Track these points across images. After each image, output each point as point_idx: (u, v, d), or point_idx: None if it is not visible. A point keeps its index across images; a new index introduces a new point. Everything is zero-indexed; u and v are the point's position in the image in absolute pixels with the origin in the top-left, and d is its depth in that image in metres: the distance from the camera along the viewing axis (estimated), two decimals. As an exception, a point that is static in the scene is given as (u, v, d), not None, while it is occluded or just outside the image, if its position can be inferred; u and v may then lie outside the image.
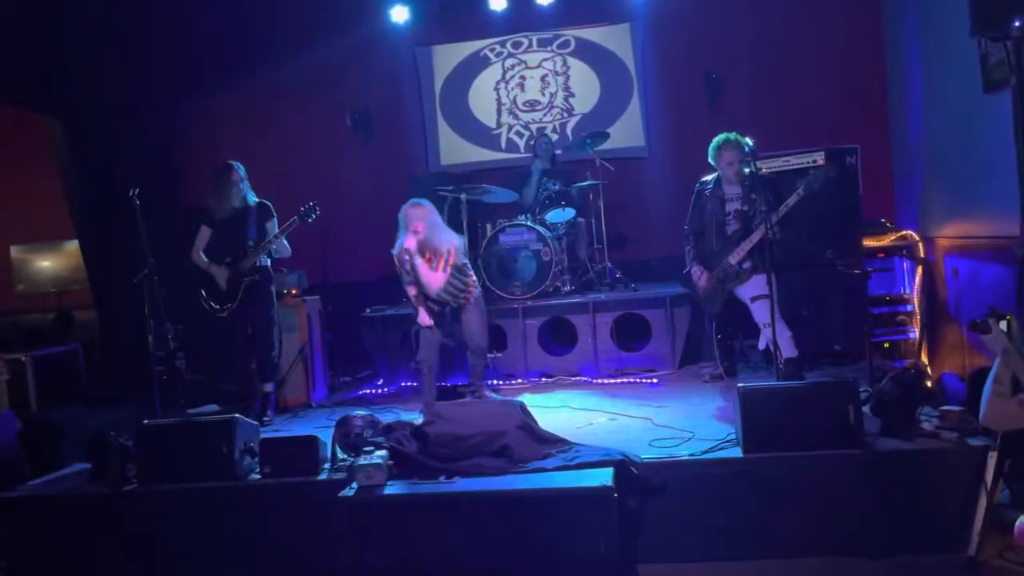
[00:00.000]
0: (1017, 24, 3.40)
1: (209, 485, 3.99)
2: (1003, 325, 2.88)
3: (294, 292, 6.09)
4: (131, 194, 4.87)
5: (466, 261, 5.24)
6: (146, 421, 4.27)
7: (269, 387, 5.47)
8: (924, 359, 5.67)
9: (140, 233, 4.93)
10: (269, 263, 5.39)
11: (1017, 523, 2.74)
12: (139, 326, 5.08)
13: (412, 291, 5.11)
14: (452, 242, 5.09)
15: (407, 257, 4.98)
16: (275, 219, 5.34)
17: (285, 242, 5.33)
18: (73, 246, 7.48)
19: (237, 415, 4.13)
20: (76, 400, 6.39)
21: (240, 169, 5.30)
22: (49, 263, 7.70)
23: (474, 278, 5.24)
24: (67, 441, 5.05)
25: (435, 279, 4.99)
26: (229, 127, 7.83)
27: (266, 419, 5.28)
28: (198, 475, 4.01)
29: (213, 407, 5.65)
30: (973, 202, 5.26)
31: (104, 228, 6.75)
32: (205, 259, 5.29)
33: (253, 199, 5.35)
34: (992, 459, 3.37)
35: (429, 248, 5.01)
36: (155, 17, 6.70)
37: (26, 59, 6.16)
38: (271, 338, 5.40)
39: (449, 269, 5.02)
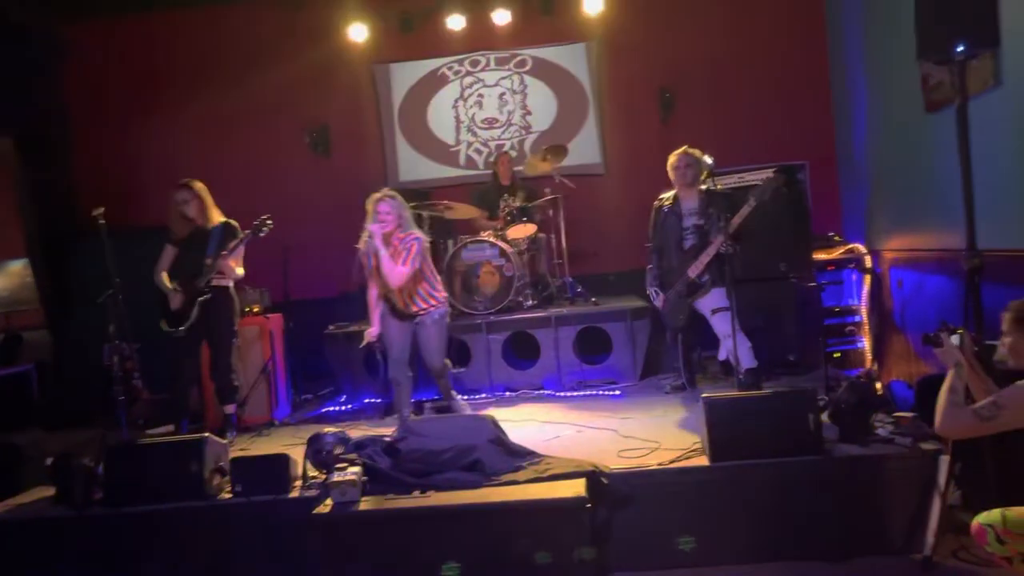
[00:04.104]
0: (960, 48, 3.58)
1: (179, 505, 3.95)
2: (955, 339, 3.02)
3: (256, 309, 6.06)
4: (94, 214, 4.81)
5: (436, 275, 5.11)
6: (113, 442, 4.21)
7: (230, 408, 5.41)
8: (874, 367, 5.89)
9: (102, 253, 4.87)
10: (232, 284, 5.32)
11: (974, 524, 2.89)
12: (95, 346, 5.01)
13: (374, 292, 4.97)
14: (419, 237, 4.89)
15: (371, 241, 4.79)
16: (236, 238, 5.25)
17: (239, 260, 5.25)
18: (17, 266, 7.31)
19: (207, 434, 4.10)
20: (32, 422, 6.24)
21: (197, 188, 5.24)
22: (-2, 283, 7.52)
23: (444, 294, 5.11)
24: (27, 464, 4.94)
25: (397, 273, 4.77)
26: (188, 145, 7.74)
27: (227, 440, 5.22)
28: (168, 495, 3.97)
29: (170, 427, 5.55)
30: (917, 216, 5.51)
31: (59, 248, 6.63)
32: (166, 278, 5.22)
33: (218, 219, 5.29)
34: (944, 463, 3.53)
35: (395, 240, 4.84)
36: (114, 35, 6.64)
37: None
38: (228, 360, 5.31)
39: (413, 263, 4.80)
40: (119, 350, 5.05)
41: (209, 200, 5.30)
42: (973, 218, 3.71)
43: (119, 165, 7.67)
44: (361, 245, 4.93)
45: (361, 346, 5.16)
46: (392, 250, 4.82)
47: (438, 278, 5.12)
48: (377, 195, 4.91)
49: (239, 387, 5.51)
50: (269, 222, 5.16)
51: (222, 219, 5.31)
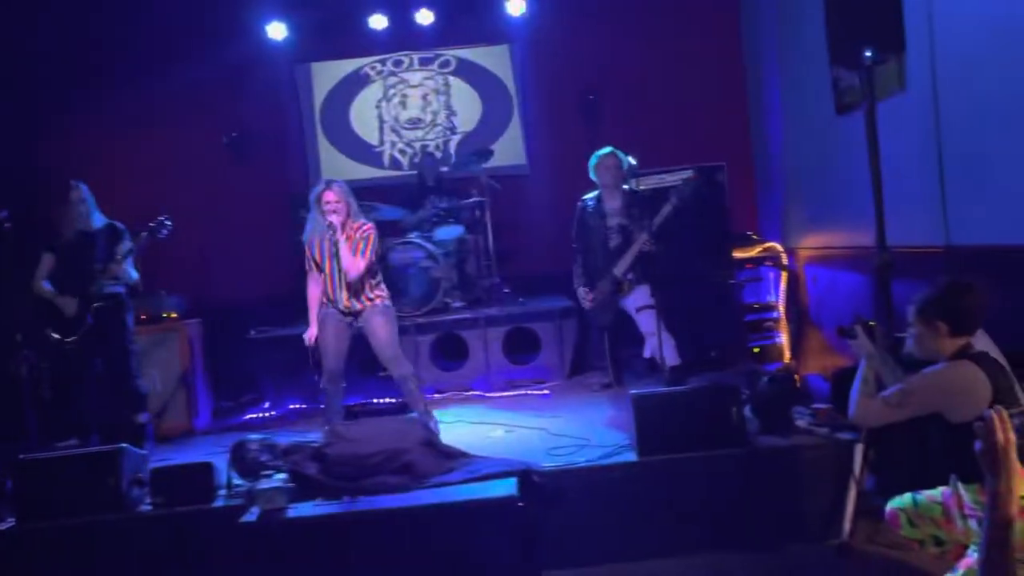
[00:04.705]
0: (868, 54, 3.75)
1: (96, 519, 3.79)
2: (865, 331, 3.15)
3: (174, 316, 5.87)
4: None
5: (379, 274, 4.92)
6: (22, 456, 4.02)
7: (142, 417, 5.13)
8: (792, 362, 6.09)
9: (3, 259, 4.62)
10: (124, 289, 5.05)
11: (887, 508, 3.02)
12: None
13: (314, 290, 4.77)
14: (371, 225, 4.75)
15: (330, 234, 4.58)
16: (126, 242, 5.00)
17: (129, 267, 4.99)
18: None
19: (124, 445, 3.95)
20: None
21: (83, 189, 4.99)
22: None
23: (384, 288, 4.88)
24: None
25: (357, 265, 4.58)
26: (96, 146, 7.41)
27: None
28: (83, 509, 3.81)
29: (74, 440, 5.31)
30: (830, 215, 5.72)
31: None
32: (49, 288, 4.91)
33: (100, 221, 5.04)
34: (859, 451, 3.68)
35: (348, 230, 4.65)
36: (13, 26, 6.32)
37: None
38: (130, 367, 5.07)
39: (370, 255, 4.65)
40: (27, 359, 4.80)
41: (93, 202, 5.06)
42: (883, 217, 3.88)
43: (24, 166, 7.30)
44: (308, 237, 4.73)
45: (309, 347, 4.82)
46: (347, 240, 4.61)
47: (378, 272, 4.93)
48: (320, 186, 4.70)
49: (147, 394, 5.25)
50: (168, 223, 4.91)
51: (104, 221, 5.06)
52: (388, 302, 4.85)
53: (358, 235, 4.66)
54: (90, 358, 5.00)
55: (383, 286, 4.88)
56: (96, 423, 5.04)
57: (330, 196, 4.61)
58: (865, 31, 3.74)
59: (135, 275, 5.05)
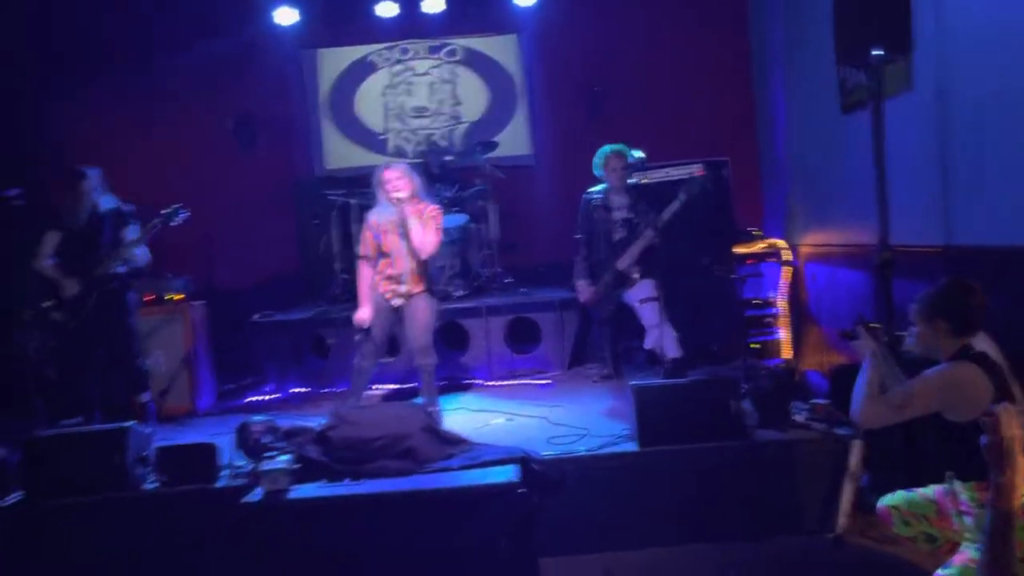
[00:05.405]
0: (875, 53, 3.77)
1: (101, 497, 3.84)
2: (868, 332, 3.17)
3: (179, 297, 5.90)
4: (11, 196, 4.58)
5: None
6: (33, 432, 4.06)
7: (145, 397, 5.20)
8: (792, 357, 6.13)
9: (14, 238, 4.66)
10: (125, 270, 5.08)
11: (879, 506, 3.06)
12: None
13: (367, 274, 4.74)
14: (438, 206, 4.77)
15: (389, 216, 4.56)
16: (133, 225, 5.05)
17: (145, 249, 5.04)
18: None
19: (130, 423, 4.00)
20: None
21: (92, 177, 5.01)
22: None
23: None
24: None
25: (427, 242, 4.58)
26: (105, 128, 7.43)
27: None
28: (89, 487, 3.85)
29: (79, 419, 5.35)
30: (832, 213, 5.75)
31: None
32: (51, 266, 4.94)
33: (108, 204, 5.07)
34: (856, 447, 3.73)
35: (414, 209, 4.62)
36: (26, 9, 6.33)
37: None
38: (132, 347, 5.12)
39: (440, 232, 4.68)
40: (33, 337, 4.84)
41: (102, 185, 5.09)
42: (886, 215, 3.91)
43: (33, 148, 7.32)
44: (372, 220, 4.72)
45: (357, 330, 4.79)
46: (417, 219, 4.60)
47: None
48: (380, 168, 4.72)
49: (149, 372, 5.31)
50: (183, 212, 4.97)
51: (113, 203, 5.10)
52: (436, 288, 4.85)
53: (426, 215, 4.65)
54: (93, 338, 5.03)
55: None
56: (99, 402, 5.09)
57: (391, 175, 4.62)
58: (874, 30, 3.76)
59: (147, 258, 5.09)
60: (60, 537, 3.84)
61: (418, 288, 4.72)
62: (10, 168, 6.53)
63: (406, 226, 4.56)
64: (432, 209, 4.71)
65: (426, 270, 4.75)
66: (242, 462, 4.04)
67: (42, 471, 3.93)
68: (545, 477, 3.84)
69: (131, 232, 5.02)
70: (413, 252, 4.62)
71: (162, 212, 4.96)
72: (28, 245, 4.82)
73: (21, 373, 4.76)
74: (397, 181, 4.60)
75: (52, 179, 5.15)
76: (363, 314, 4.72)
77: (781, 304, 6.23)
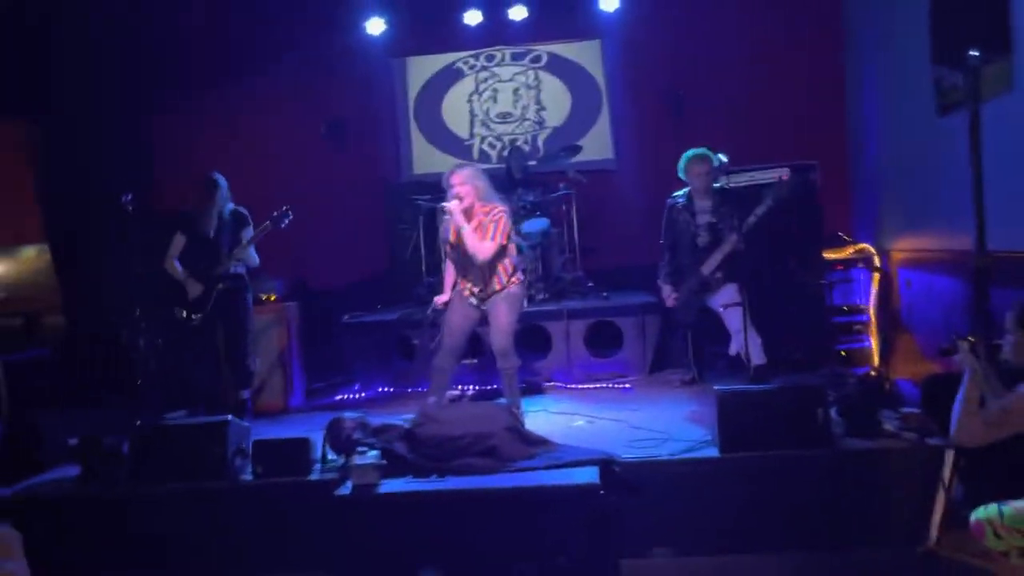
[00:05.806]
0: (973, 54, 3.67)
1: (202, 486, 4.06)
2: (968, 347, 3.08)
3: (273, 298, 6.16)
4: (124, 200, 4.90)
5: (517, 257, 4.89)
6: (139, 423, 4.32)
7: (245, 394, 5.47)
8: (881, 366, 5.97)
9: (125, 238, 4.97)
10: (244, 271, 5.40)
11: (972, 519, 2.98)
12: (109, 330, 5.08)
13: (451, 268, 4.84)
14: (506, 210, 4.69)
15: (449, 220, 4.59)
16: (250, 226, 5.36)
17: (252, 251, 5.32)
18: (32, 251, 7.39)
19: (230, 417, 4.21)
20: (48, 405, 6.34)
21: (222, 184, 5.31)
22: (3, 268, 7.59)
23: (520, 276, 4.84)
24: (46, 445, 5.05)
25: (482, 248, 4.55)
26: (205, 133, 7.83)
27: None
28: (191, 476, 4.09)
29: (183, 412, 5.66)
30: (927, 218, 5.58)
31: (77, 233, 6.73)
32: (179, 267, 5.27)
33: (230, 207, 5.39)
34: (949, 457, 3.62)
35: (478, 214, 4.62)
36: (132, 25, 6.73)
37: (4, 62, 6.15)
38: (245, 346, 5.39)
39: (500, 239, 4.59)
40: (143, 333, 5.14)
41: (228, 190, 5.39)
42: (983, 220, 3.79)
43: (138, 151, 7.76)
44: (447, 218, 4.74)
45: (429, 312, 5.03)
46: (476, 224, 4.61)
47: (515, 255, 4.89)
48: (449, 171, 4.74)
49: (255, 372, 5.60)
50: (290, 214, 5.24)
51: (232, 206, 5.38)
52: (518, 289, 4.80)
53: (488, 218, 4.62)
54: (211, 335, 5.33)
55: (520, 272, 4.87)
56: (203, 396, 5.37)
57: (453, 180, 4.64)
58: (971, 30, 3.66)
59: (257, 259, 5.39)
60: (161, 522, 4.07)
61: (494, 288, 4.73)
62: (123, 173, 6.96)
63: (460, 232, 4.61)
64: (497, 212, 4.65)
65: (496, 271, 4.70)
66: (334, 456, 4.20)
67: (148, 459, 4.18)
68: (625, 480, 3.86)
69: (247, 234, 5.30)
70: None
71: (273, 215, 5.22)
72: (139, 247, 5.12)
73: (132, 367, 5.04)
74: (458, 188, 4.61)
75: (189, 187, 5.44)
76: (442, 297, 4.88)
77: (870, 311, 6.08)
